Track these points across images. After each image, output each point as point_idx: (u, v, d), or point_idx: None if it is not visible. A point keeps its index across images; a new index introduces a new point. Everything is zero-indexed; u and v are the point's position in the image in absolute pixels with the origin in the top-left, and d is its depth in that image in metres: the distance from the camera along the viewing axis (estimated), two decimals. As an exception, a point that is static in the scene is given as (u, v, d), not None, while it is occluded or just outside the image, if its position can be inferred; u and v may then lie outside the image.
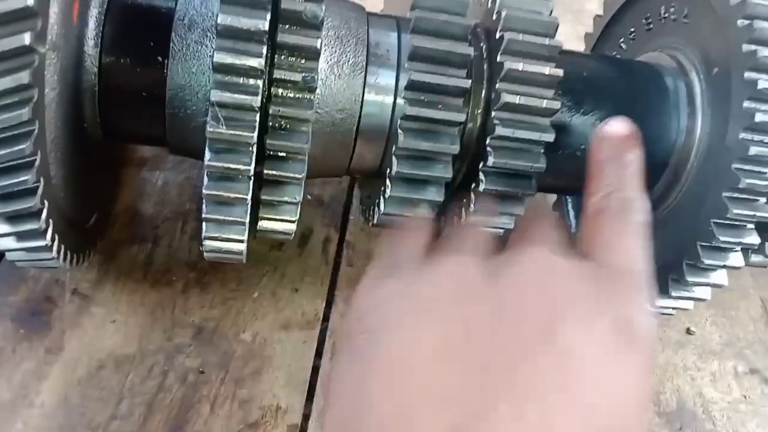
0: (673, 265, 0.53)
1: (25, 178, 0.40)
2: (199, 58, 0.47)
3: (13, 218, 0.42)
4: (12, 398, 0.51)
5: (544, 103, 0.49)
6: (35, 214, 0.42)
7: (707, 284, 0.53)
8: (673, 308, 0.57)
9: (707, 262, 0.51)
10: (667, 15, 0.59)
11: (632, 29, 0.65)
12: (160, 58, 0.47)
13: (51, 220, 0.44)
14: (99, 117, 0.49)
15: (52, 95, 0.43)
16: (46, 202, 0.43)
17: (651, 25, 0.62)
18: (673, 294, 0.54)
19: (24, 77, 0.38)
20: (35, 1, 0.37)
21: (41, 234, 0.43)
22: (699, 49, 0.55)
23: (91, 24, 0.47)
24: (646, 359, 0.36)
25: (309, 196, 0.69)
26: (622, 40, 0.66)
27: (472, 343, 0.34)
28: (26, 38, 0.37)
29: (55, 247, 0.45)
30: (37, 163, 0.40)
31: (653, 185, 0.57)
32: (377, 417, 0.33)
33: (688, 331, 0.69)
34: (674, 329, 0.69)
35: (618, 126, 0.45)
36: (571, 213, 0.71)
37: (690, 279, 0.52)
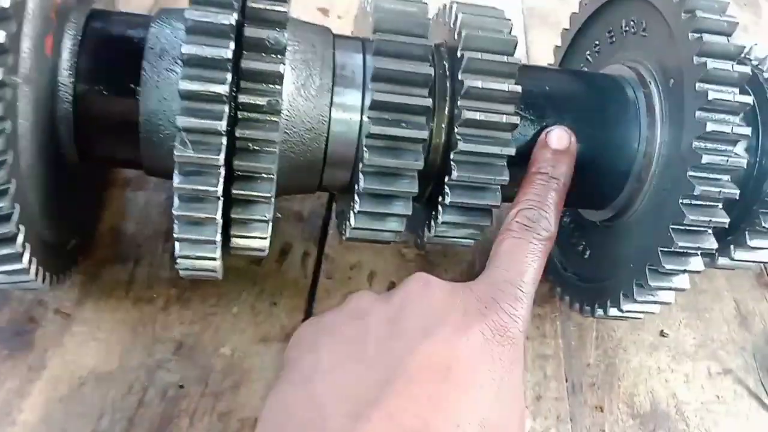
0: (637, 271, 0.55)
1: (1, 205, 0.42)
2: (170, 84, 0.49)
3: (-9, 243, 0.44)
4: (-4, 416, 0.52)
5: (504, 119, 0.51)
6: (11, 239, 0.44)
7: (670, 288, 0.54)
8: (640, 312, 0.58)
9: (668, 267, 0.52)
10: (627, 29, 0.61)
11: (597, 42, 0.67)
12: (132, 86, 0.49)
13: (28, 244, 0.46)
14: (75, 144, 0.51)
15: (27, 125, 0.45)
16: (22, 227, 0.44)
17: (614, 39, 0.64)
18: (638, 299, 0.55)
19: (-3, 110, 0.40)
20: (5, 39, 0.39)
21: (18, 257, 0.45)
22: (657, 62, 0.57)
23: (65, 55, 0.49)
24: (517, 357, 0.43)
25: (280, 214, 0.71)
26: (588, 53, 0.68)
27: (369, 347, 0.43)
28: (-2, 73, 0.39)
29: (32, 270, 0.47)
30: (11, 190, 0.42)
31: (618, 193, 0.59)
32: (297, 419, 0.41)
33: (662, 334, 0.71)
34: (648, 332, 0.70)
35: (559, 138, 0.52)
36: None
37: (653, 284, 0.54)
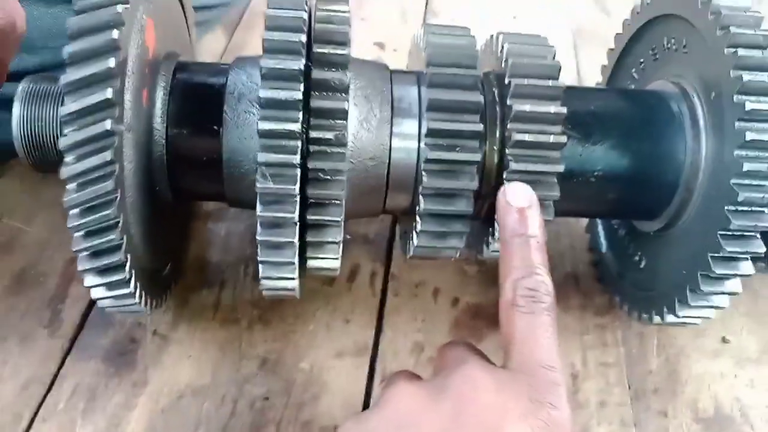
0: (690, 277, 0.57)
1: (112, 237, 0.49)
2: (248, 124, 0.55)
3: (102, 271, 0.51)
4: (107, 426, 0.59)
5: (552, 138, 0.55)
6: (120, 267, 0.51)
7: (722, 293, 0.57)
8: (697, 317, 0.61)
9: (718, 272, 0.55)
10: (669, 46, 0.64)
11: (641, 60, 0.70)
12: (215, 127, 0.56)
13: (133, 271, 0.52)
14: (168, 181, 0.58)
15: (130, 167, 0.51)
16: (128, 256, 0.51)
17: (657, 56, 0.67)
18: (693, 304, 0.58)
19: (107, 155, 0.46)
20: (113, 94, 0.46)
21: (126, 283, 0.52)
22: (698, 76, 0.60)
23: (158, 104, 0.56)
24: None
25: (348, 236, 0.76)
26: (634, 70, 0.71)
27: None
28: (107, 124, 0.46)
29: (137, 294, 0.54)
30: (120, 224, 0.49)
31: (668, 203, 0.61)
32: None
33: (724, 340, 0.72)
34: (710, 339, 0.72)
35: (517, 196, 0.52)
36: (602, 234, 0.76)
37: (705, 289, 0.56)
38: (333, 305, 0.71)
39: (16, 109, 0.55)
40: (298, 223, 0.52)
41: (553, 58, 0.58)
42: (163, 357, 0.64)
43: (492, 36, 0.62)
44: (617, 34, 0.73)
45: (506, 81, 0.56)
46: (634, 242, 0.69)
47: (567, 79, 0.98)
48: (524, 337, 0.46)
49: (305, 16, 0.51)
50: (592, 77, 0.85)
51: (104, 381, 0.62)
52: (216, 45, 1.02)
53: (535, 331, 0.46)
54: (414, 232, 0.58)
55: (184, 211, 0.73)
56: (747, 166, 0.51)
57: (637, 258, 0.68)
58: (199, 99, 0.57)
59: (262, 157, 0.49)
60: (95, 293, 0.53)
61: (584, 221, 0.80)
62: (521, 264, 0.48)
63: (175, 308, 0.68)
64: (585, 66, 1.03)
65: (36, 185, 0.77)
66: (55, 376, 0.62)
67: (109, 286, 0.52)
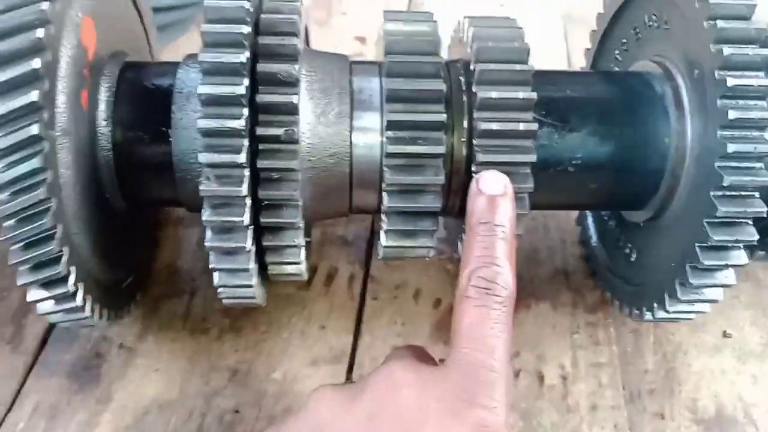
0: (679, 269, 0.53)
1: (51, 248, 0.46)
2: (197, 125, 0.52)
3: (46, 284, 0.48)
4: (67, 447, 0.56)
5: (522, 126, 0.51)
6: (63, 279, 0.48)
7: (714, 285, 0.52)
8: (689, 312, 0.56)
9: (707, 263, 0.50)
10: (651, 23, 0.60)
11: (624, 41, 0.66)
12: (164, 129, 0.53)
13: (81, 284, 0.49)
14: (118, 188, 0.55)
15: (68, 174, 0.49)
16: (72, 268, 0.48)
17: (639, 35, 0.63)
18: (683, 298, 0.53)
19: (36, 162, 0.44)
20: (39, 96, 0.43)
21: (71, 296, 0.49)
22: (681, 53, 0.56)
23: (102, 107, 0.53)
24: None
25: (309, 238, 0.72)
26: (617, 52, 0.67)
27: None
28: (34, 129, 0.43)
29: (88, 307, 0.51)
30: (57, 234, 0.46)
31: (655, 191, 0.57)
32: None
33: (725, 334, 0.67)
34: (710, 334, 0.67)
35: (490, 182, 0.48)
36: (592, 226, 0.72)
37: (694, 281, 0.52)
38: (309, 311, 0.67)
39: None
40: (251, 228, 0.49)
41: (522, 41, 0.54)
42: (129, 371, 0.62)
43: (459, 21, 0.58)
44: (599, 14, 0.69)
45: (471, 67, 0.53)
46: (624, 234, 0.65)
47: (557, 65, 0.94)
48: (469, 332, 0.42)
49: (248, 5, 0.48)
50: (584, 63, 0.81)
51: (67, 398, 0.59)
52: (190, 46, 0.99)
53: (482, 327, 0.42)
54: (381, 232, 0.55)
55: (145, 218, 0.70)
56: (731, 148, 0.47)
57: (627, 250, 0.64)
58: (146, 100, 0.54)
59: (204, 157, 0.46)
60: (42, 308, 0.50)
61: (574, 214, 0.76)
62: (481, 253, 0.45)
63: (143, 318, 0.66)
64: (576, 52, 0.99)
65: None
66: (17, 394, 0.59)
67: (56, 299, 0.50)
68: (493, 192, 0.48)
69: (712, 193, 0.49)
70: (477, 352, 0.42)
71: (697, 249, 0.51)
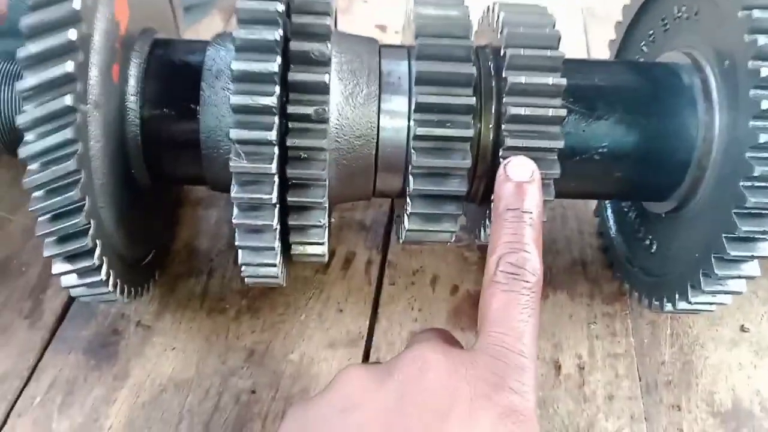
0: (703, 260, 0.53)
1: (77, 220, 0.46)
2: (226, 102, 0.52)
3: (71, 257, 0.48)
4: (84, 422, 0.56)
5: (551, 112, 0.51)
6: (89, 253, 0.48)
7: (739, 276, 0.52)
8: (711, 303, 0.56)
9: (734, 253, 0.50)
10: (680, 14, 0.60)
11: (651, 32, 0.65)
12: (193, 106, 0.53)
13: (105, 258, 0.49)
14: (145, 163, 0.55)
15: (98, 147, 0.48)
16: (98, 242, 0.48)
17: (667, 26, 0.62)
18: (706, 289, 0.53)
19: (69, 133, 0.43)
20: (74, 67, 0.43)
21: (96, 270, 0.49)
22: (711, 45, 0.55)
23: (131, 82, 0.53)
24: None
25: (333, 219, 0.72)
26: (643, 43, 0.67)
27: None
28: (68, 100, 0.43)
29: (110, 282, 0.51)
30: (86, 207, 0.46)
31: (680, 181, 0.57)
32: None
33: (743, 329, 0.67)
34: (727, 327, 0.67)
35: (519, 168, 0.47)
36: (611, 217, 0.71)
37: (719, 272, 0.52)
38: (326, 294, 0.67)
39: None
40: (277, 205, 0.49)
41: (553, 27, 0.54)
42: (146, 349, 0.62)
43: (488, 7, 0.58)
44: (625, 5, 0.68)
45: (502, 52, 0.52)
46: (644, 225, 0.65)
47: (576, 57, 0.94)
48: (498, 316, 0.42)
49: (283, -16, 0.48)
50: (603, 57, 0.81)
51: (84, 374, 0.59)
52: (213, 29, 0.99)
53: (510, 312, 0.42)
54: (405, 215, 0.55)
55: (168, 196, 0.70)
56: (763, 138, 0.47)
57: (647, 242, 0.64)
58: (175, 77, 0.54)
59: (235, 133, 0.46)
60: (66, 281, 0.50)
61: (592, 204, 0.76)
62: (510, 239, 0.45)
63: (161, 297, 0.65)
64: (595, 46, 0.99)
65: (22, 175, 0.74)
66: (34, 368, 0.59)
67: (80, 273, 0.50)
68: (521, 178, 0.47)
69: (741, 184, 0.49)
70: (506, 337, 0.42)
71: (724, 239, 0.50)
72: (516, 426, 0.39)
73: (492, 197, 0.49)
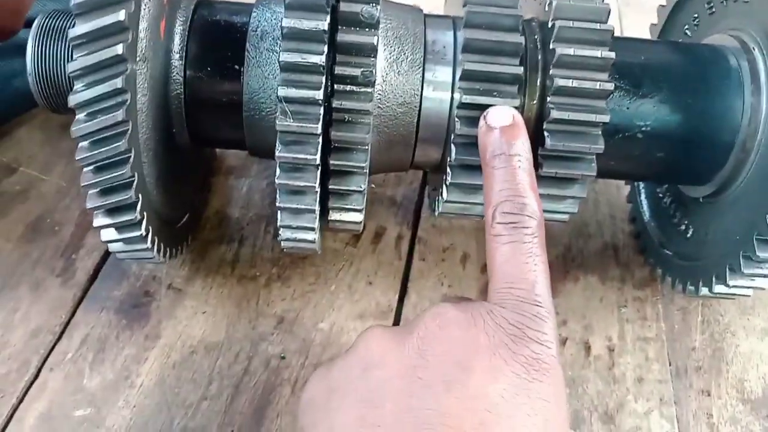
0: (744, 242, 0.52)
1: (122, 172, 0.46)
2: (271, 63, 0.52)
3: (112, 210, 0.48)
4: (115, 379, 0.56)
5: (598, 85, 0.51)
6: (131, 206, 0.48)
7: (780, 260, 0.52)
8: (748, 287, 0.56)
9: (778, 235, 0.50)
10: (728, -3, 0.59)
11: (696, 15, 0.64)
12: (237, 67, 0.52)
13: (145, 213, 0.49)
14: (186, 123, 0.55)
15: (143, 101, 0.48)
16: (140, 196, 0.48)
17: (713, 9, 0.62)
18: (746, 271, 0.53)
19: (118, 83, 0.43)
20: (126, 17, 0.43)
21: (136, 225, 0.49)
22: (761, 27, 0.55)
23: (177, 39, 0.52)
24: (557, 388, 0.39)
25: (374, 185, 0.71)
26: (686, 27, 0.66)
27: (386, 408, 0.38)
28: (119, 49, 0.43)
29: (149, 239, 0.51)
30: (131, 159, 0.46)
31: (722, 165, 0.56)
32: None
33: (775, 318, 0.67)
34: (759, 317, 0.67)
35: (499, 115, 0.47)
36: (645, 203, 0.71)
37: (761, 254, 0.51)
38: (356, 266, 0.67)
39: (30, 47, 0.53)
40: (319, 167, 0.48)
41: (602, 1, 0.53)
42: (177, 311, 0.62)
43: (535, -20, 0.57)
44: (669, -11, 0.68)
45: (549, 24, 0.52)
46: (680, 210, 0.64)
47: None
48: (505, 270, 0.42)
49: (334, -56, 0.48)
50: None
51: (115, 333, 0.60)
52: None
53: (517, 262, 0.41)
54: (444, 185, 0.54)
55: (203, 162, 0.70)
56: (815, 118, 0.46)
57: (683, 227, 0.63)
58: (220, 37, 0.54)
59: (283, 92, 0.46)
60: (105, 235, 0.50)
61: (625, 190, 0.75)
62: (502, 186, 0.44)
63: (192, 262, 0.66)
64: (629, 34, 0.98)
65: (56, 135, 0.75)
66: (66, 325, 0.60)
67: (120, 228, 0.50)
68: (503, 123, 0.47)
69: (789, 165, 0.48)
70: (517, 289, 0.41)
71: (768, 222, 0.50)
72: (539, 374, 0.38)
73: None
